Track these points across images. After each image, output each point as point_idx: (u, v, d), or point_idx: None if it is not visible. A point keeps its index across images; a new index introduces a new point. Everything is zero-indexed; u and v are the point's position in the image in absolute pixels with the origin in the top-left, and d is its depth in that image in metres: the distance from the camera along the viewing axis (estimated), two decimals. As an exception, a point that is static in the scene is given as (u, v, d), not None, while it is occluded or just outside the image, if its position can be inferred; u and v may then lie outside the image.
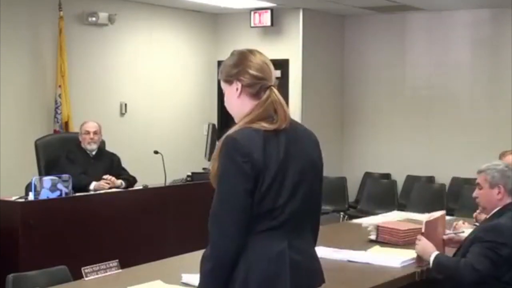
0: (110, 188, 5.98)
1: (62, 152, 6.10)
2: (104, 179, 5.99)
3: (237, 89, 2.44)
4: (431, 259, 3.52)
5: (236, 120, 2.45)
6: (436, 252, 3.54)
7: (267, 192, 2.31)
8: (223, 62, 2.51)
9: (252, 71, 2.41)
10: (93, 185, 5.94)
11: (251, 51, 2.47)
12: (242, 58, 2.45)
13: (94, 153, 6.19)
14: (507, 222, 3.43)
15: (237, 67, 2.44)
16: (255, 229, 2.33)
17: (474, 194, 3.63)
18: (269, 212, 2.33)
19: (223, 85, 2.50)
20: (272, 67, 2.47)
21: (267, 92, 2.40)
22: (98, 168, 6.11)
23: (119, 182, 6.08)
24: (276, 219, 2.34)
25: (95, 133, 6.16)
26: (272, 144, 2.34)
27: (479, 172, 3.58)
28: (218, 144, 2.36)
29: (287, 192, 2.35)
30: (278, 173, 2.33)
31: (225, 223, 2.29)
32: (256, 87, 2.42)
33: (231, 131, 2.36)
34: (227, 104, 2.50)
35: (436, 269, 3.51)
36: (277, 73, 8.83)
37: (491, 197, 3.53)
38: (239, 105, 2.44)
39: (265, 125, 2.35)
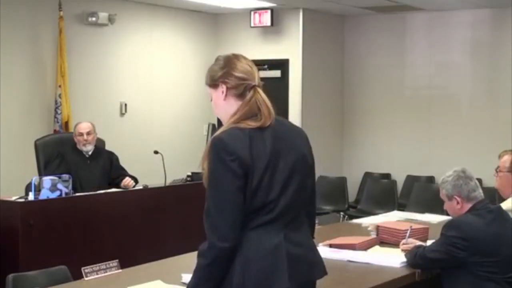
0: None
1: (55, 153, 6.08)
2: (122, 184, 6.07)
3: (222, 92, 2.51)
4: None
5: (223, 123, 2.51)
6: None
7: (258, 187, 2.37)
8: (208, 68, 2.59)
9: (236, 73, 2.49)
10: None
11: (235, 56, 2.55)
12: (226, 62, 2.53)
13: (90, 153, 6.17)
14: (467, 218, 3.59)
15: (222, 70, 2.51)
16: (250, 225, 2.38)
17: (444, 207, 3.79)
18: (262, 207, 2.39)
19: (209, 90, 2.58)
20: (255, 68, 2.54)
21: (251, 92, 2.48)
22: (95, 168, 6.10)
23: (132, 184, 6.14)
24: (270, 213, 2.39)
25: (88, 134, 6.10)
26: (258, 140, 2.40)
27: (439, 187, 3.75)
28: (206, 146, 2.43)
29: (278, 187, 2.41)
30: (267, 168, 2.39)
31: (219, 222, 2.34)
32: (240, 88, 2.49)
33: (217, 132, 2.43)
34: (215, 108, 2.57)
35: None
36: (277, 73, 8.95)
37: (453, 208, 3.69)
38: (225, 107, 2.52)
39: (250, 123, 2.42)
